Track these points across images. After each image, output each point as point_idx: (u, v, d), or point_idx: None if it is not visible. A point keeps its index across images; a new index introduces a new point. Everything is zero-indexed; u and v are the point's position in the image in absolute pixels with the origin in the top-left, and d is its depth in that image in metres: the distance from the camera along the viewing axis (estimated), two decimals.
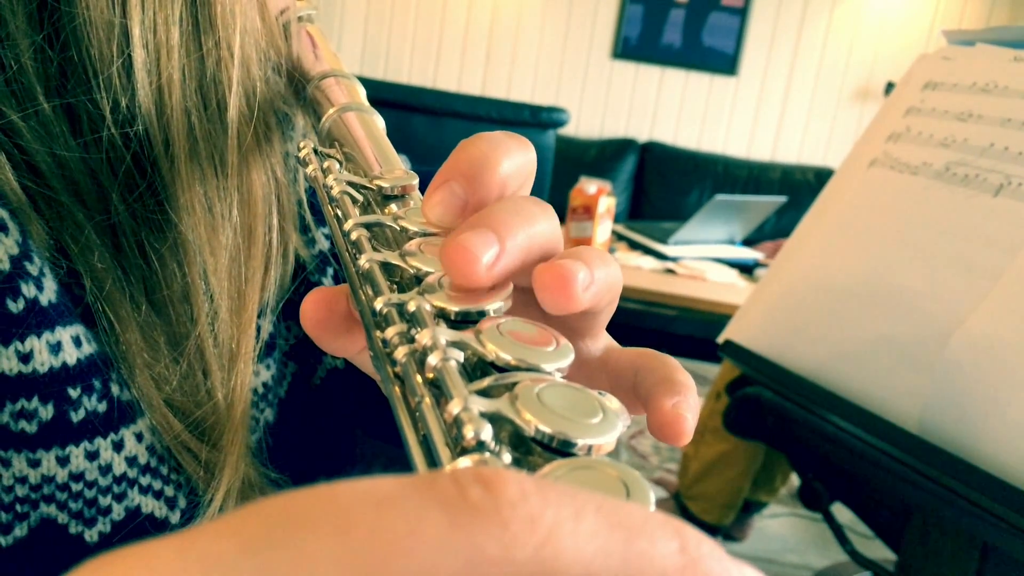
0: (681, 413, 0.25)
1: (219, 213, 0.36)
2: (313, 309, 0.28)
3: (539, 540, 0.12)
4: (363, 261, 0.26)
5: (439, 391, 0.20)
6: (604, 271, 0.25)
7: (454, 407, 0.19)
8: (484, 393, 0.20)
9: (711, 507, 1.79)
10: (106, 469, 0.33)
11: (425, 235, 0.28)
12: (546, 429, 0.19)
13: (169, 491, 0.35)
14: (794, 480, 1.86)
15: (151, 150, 0.33)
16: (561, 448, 0.19)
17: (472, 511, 0.12)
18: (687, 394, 0.26)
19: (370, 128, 0.36)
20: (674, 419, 0.25)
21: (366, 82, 0.41)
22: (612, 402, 0.20)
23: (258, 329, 0.40)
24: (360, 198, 0.31)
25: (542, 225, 0.25)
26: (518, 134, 0.29)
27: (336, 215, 0.30)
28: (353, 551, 0.11)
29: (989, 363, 0.86)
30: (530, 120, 2.18)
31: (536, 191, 0.30)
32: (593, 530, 0.12)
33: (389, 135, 0.37)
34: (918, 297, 0.93)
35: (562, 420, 0.19)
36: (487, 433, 0.18)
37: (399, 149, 0.37)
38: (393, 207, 0.31)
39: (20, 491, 0.32)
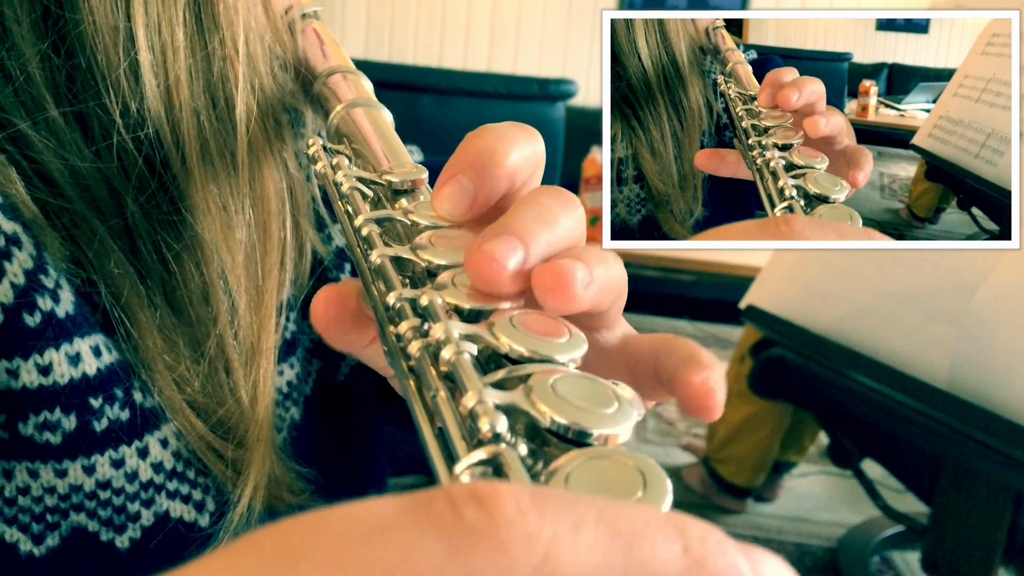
0: (711, 386, 0.25)
1: (233, 211, 0.36)
2: (324, 306, 0.27)
3: (538, 559, 0.11)
4: (374, 256, 0.27)
5: (454, 384, 0.21)
6: (604, 270, 0.24)
7: (469, 400, 0.19)
8: (499, 385, 0.20)
9: (741, 469, 1.79)
10: (132, 476, 0.34)
11: (436, 228, 0.28)
12: (561, 420, 0.19)
13: (197, 495, 0.36)
14: (823, 439, 1.86)
15: (162, 152, 0.34)
16: (577, 439, 0.19)
17: (468, 534, 0.12)
18: (714, 369, 0.25)
19: (378, 123, 0.36)
20: (705, 392, 0.25)
21: (371, 65, 0.41)
22: (626, 392, 0.20)
23: (284, 328, 0.40)
24: (370, 193, 0.31)
25: (565, 222, 0.25)
26: (526, 124, 0.29)
27: (346, 211, 0.30)
28: None
29: (1016, 315, 0.85)
30: (538, 93, 2.16)
31: (548, 164, 0.30)
32: (593, 542, 0.12)
33: (397, 118, 0.37)
34: (939, 251, 0.92)
35: (577, 411, 0.19)
36: (502, 425, 0.19)
37: (408, 132, 0.37)
38: (403, 202, 0.31)
39: (49, 501, 0.33)
